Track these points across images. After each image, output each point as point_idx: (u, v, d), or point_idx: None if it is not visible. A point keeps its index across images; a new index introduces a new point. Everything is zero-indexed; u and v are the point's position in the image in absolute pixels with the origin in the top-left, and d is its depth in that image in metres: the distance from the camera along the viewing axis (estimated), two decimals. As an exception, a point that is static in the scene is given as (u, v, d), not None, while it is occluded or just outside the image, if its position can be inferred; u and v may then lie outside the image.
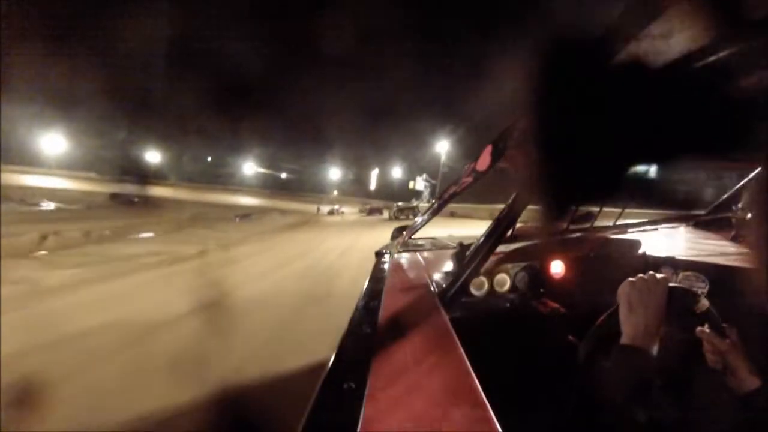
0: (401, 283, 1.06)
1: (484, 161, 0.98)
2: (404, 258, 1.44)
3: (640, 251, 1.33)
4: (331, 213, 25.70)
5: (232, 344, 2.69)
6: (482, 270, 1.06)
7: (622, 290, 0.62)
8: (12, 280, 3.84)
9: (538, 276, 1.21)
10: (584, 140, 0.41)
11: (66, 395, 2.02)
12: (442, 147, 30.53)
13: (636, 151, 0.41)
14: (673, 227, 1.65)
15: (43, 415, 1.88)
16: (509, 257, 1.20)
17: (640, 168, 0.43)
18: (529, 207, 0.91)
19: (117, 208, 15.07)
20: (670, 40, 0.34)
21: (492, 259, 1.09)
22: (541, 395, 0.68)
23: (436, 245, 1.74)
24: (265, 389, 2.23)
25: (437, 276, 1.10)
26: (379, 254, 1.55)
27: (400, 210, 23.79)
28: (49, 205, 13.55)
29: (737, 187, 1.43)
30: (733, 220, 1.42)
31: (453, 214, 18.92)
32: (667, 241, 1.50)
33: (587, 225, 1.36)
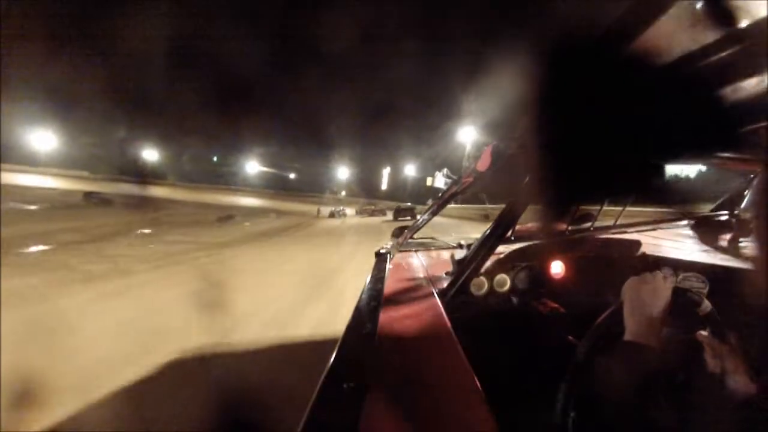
0: (401, 283, 1.06)
1: (484, 161, 0.98)
2: (404, 258, 1.44)
3: (640, 251, 1.33)
4: (332, 215, 24.42)
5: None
6: (482, 270, 1.06)
7: (627, 287, 0.62)
8: None
9: (538, 276, 1.21)
10: (584, 140, 0.41)
11: None
12: (468, 135, 24.74)
13: (636, 151, 0.41)
14: (673, 227, 1.65)
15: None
16: (509, 257, 1.20)
17: (640, 168, 0.43)
18: (530, 207, 0.91)
19: (83, 209, 14.23)
20: (670, 40, 0.34)
21: (492, 259, 1.09)
22: (541, 395, 0.68)
23: (436, 245, 1.74)
24: (265, 389, 2.23)
25: (437, 276, 1.10)
26: (379, 254, 1.55)
27: (399, 211, 23.16)
28: (7, 205, 12.72)
29: (737, 187, 1.43)
30: (733, 220, 1.42)
31: (488, 217, 16.22)
32: (667, 241, 1.50)
33: (587, 225, 1.36)
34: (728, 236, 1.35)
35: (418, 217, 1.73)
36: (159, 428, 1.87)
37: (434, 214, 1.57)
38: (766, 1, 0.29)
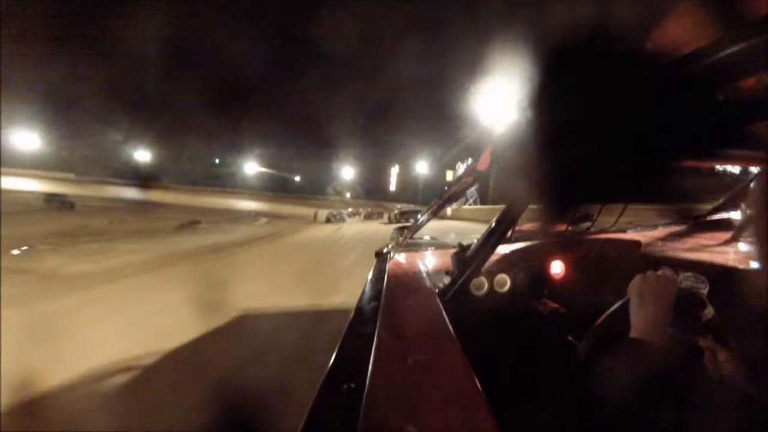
0: (401, 283, 1.06)
1: (484, 161, 0.98)
2: (404, 258, 1.44)
3: (640, 251, 1.33)
4: (328, 220, 20.68)
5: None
6: (482, 270, 1.06)
7: (634, 285, 0.63)
8: None
9: (538, 276, 1.21)
10: (584, 140, 0.41)
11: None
12: (496, 117, 20.34)
13: (636, 151, 0.41)
14: (673, 227, 1.65)
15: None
16: (509, 257, 1.20)
17: (640, 167, 0.43)
18: (530, 207, 0.91)
19: (36, 213, 12.66)
20: (670, 39, 0.34)
21: (492, 259, 1.09)
22: (541, 395, 0.68)
23: (436, 245, 1.74)
24: (265, 390, 2.23)
25: (437, 276, 1.10)
26: (379, 254, 1.55)
27: (402, 214, 21.72)
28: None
29: (737, 187, 1.43)
30: (733, 220, 1.42)
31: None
32: (667, 241, 1.50)
33: (587, 225, 1.36)
34: (728, 236, 1.35)
35: (419, 216, 1.72)
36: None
37: (434, 214, 1.57)
38: (766, 2, 0.29)
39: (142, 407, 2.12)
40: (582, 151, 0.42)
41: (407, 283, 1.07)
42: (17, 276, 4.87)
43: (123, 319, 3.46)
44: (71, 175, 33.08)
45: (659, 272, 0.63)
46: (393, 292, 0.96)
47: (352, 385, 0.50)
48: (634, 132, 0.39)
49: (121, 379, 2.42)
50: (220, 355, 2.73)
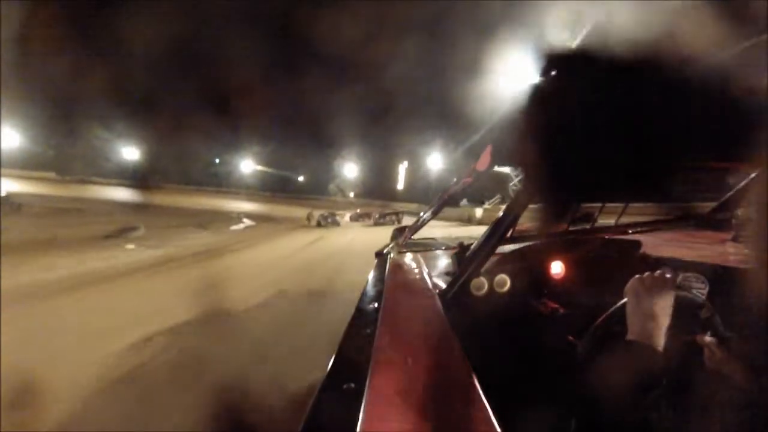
0: (401, 284, 1.06)
1: (484, 161, 0.98)
2: (404, 258, 1.44)
3: (640, 251, 1.33)
4: (318, 224, 17.86)
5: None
6: (482, 270, 1.06)
7: (631, 286, 0.62)
8: None
9: (538, 276, 1.21)
10: (584, 141, 0.41)
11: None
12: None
13: (636, 151, 0.41)
14: (673, 227, 1.65)
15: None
16: (509, 257, 1.20)
17: (641, 167, 0.43)
18: (530, 207, 0.91)
19: None
20: (671, 41, 0.34)
21: (492, 259, 1.09)
22: (541, 395, 0.68)
23: (436, 245, 1.74)
24: (265, 390, 2.23)
25: (437, 276, 1.10)
26: (379, 255, 1.55)
27: (382, 216, 20.39)
28: None
29: (737, 187, 1.42)
30: (733, 221, 1.41)
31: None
32: (667, 241, 1.50)
33: (587, 225, 1.36)
34: (728, 236, 1.35)
35: (422, 213, 1.72)
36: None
37: (434, 214, 1.57)
38: (766, 1, 0.29)
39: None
40: (582, 151, 0.42)
41: (407, 283, 1.07)
42: None
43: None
44: (52, 174, 30.92)
45: (656, 273, 0.62)
46: (393, 292, 0.96)
47: (352, 385, 0.50)
48: (635, 132, 0.39)
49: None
50: None
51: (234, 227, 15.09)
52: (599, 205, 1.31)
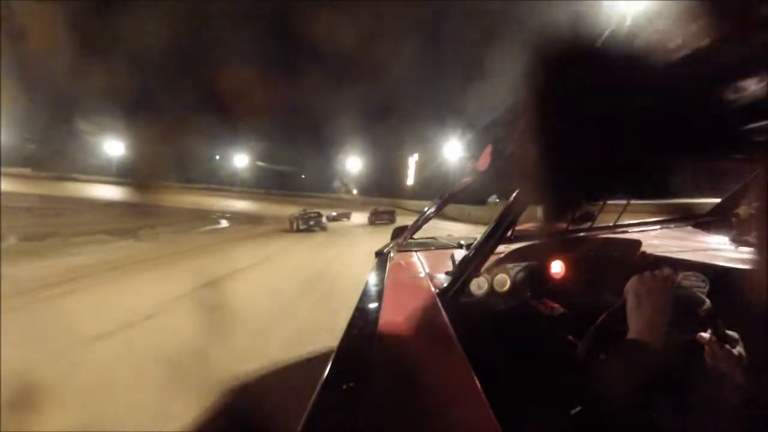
0: (401, 283, 1.06)
1: (484, 161, 0.98)
2: (404, 258, 1.44)
3: (640, 251, 1.33)
4: (297, 228, 14.46)
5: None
6: (482, 270, 1.06)
7: (631, 285, 0.62)
8: None
9: (538, 276, 1.21)
10: (584, 140, 0.41)
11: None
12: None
13: (636, 151, 0.41)
14: (673, 227, 1.65)
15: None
16: (509, 257, 1.20)
17: (641, 167, 0.43)
18: (530, 207, 0.91)
19: None
20: (671, 38, 0.34)
21: (492, 259, 1.09)
22: (541, 395, 0.68)
23: (436, 245, 1.74)
24: (265, 389, 2.23)
25: (437, 276, 1.10)
26: (379, 254, 1.55)
27: (375, 214, 18.69)
28: None
29: (737, 187, 1.42)
30: (733, 220, 1.41)
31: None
32: (667, 241, 1.50)
33: (587, 225, 1.36)
34: (728, 236, 1.35)
35: (426, 209, 1.70)
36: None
37: (435, 212, 1.57)
38: (766, 1, 0.29)
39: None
40: (582, 150, 0.42)
41: (407, 282, 1.07)
42: None
43: None
44: (28, 171, 29.23)
45: (656, 272, 0.62)
46: (393, 291, 0.96)
47: (352, 385, 0.50)
48: (634, 132, 0.39)
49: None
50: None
51: (203, 229, 13.34)
52: (599, 204, 1.31)
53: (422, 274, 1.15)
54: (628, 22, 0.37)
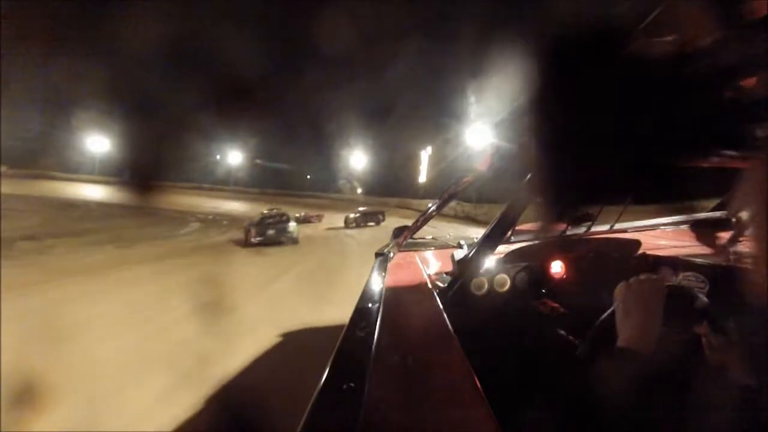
0: (401, 283, 1.06)
1: (485, 161, 0.98)
2: (404, 258, 1.44)
3: (640, 251, 1.33)
4: (249, 241, 10.75)
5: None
6: (482, 270, 1.06)
7: (619, 292, 0.62)
8: None
9: (538, 276, 1.21)
10: (585, 140, 0.41)
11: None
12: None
13: (636, 151, 0.41)
14: (673, 227, 1.65)
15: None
16: (509, 257, 1.20)
17: (641, 168, 0.43)
18: (530, 207, 0.91)
19: None
20: (671, 39, 0.34)
21: (492, 259, 1.09)
22: (541, 395, 0.68)
23: (436, 245, 1.74)
24: (265, 389, 2.22)
25: (437, 276, 1.10)
26: (379, 254, 1.55)
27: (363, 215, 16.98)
28: None
29: (737, 187, 1.42)
30: (733, 220, 1.42)
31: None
32: (667, 241, 1.50)
33: (587, 225, 1.36)
34: (728, 236, 1.35)
35: (430, 205, 1.69)
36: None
37: (436, 211, 1.57)
38: (766, 1, 0.29)
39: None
40: (582, 150, 0.42)
41: (407, 282, 1.07)
42: None
43: None
44: (4, 168, 27.09)
45: (643, 276, 0.62)
46: (393, 292, 0.96)
47: (352, 385, 0.50)
48: (635, 132, 0.39)
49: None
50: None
51: (152, 241, 10.67)
52: (599, 204, 1.31)
53: (422, 274, 1.15)
54: (629, 23, 0.37)
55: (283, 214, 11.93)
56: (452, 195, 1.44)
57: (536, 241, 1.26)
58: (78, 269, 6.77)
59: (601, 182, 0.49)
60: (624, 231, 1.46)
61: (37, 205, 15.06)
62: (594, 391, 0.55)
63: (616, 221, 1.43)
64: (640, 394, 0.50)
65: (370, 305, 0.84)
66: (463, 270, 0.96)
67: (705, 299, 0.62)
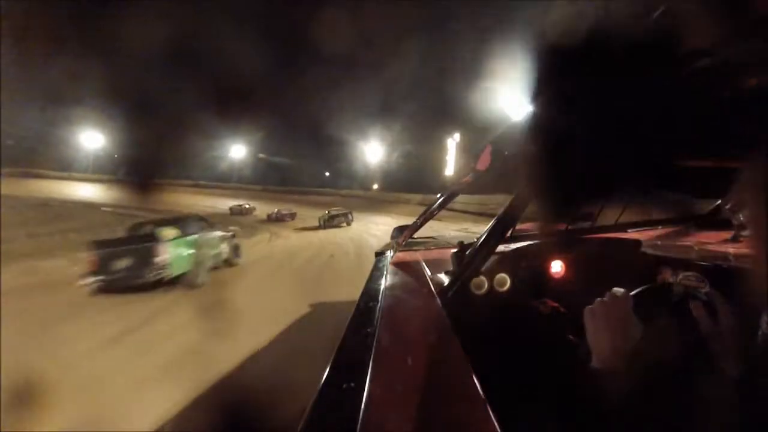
0: (401, 283, 1.06)
1: (484, 161, 0.98)
2: (404, 258, 1.44)
3: (640, 251, 1.33)
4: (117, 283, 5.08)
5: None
6: (482, 270, 1.06)
7: (586, 316, 0.63)
8: None
9: (538, 276, 1.21)
10: (585, 140, 0.41)
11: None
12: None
13: (636, 151, 0.41)
14: (673, 227, 1.65)
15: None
16: (509, 257, 1.20)
17: (641, 167, 0.43)
18: (530, 207, 0.91)
19: None
20: (671, 39, 0.34)
21: (492, 259, 1.09)
22: (541, 395, 0.68)
23: (436, 245, 1.74)
24: (265, 389, 2.22)
25: (437, 276, 1.10)
26: (379, 254, 1.55)
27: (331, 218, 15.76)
28: None
29: (737, 187, 1.42)
30: (733, 220, 1.42)
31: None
32: (667, 241, 1.50)
33: (587, 225, 1.36)
34: (728, 236, 1.35)
35: (435, 202, 1.66)
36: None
37: (437, 210, 1.57)
38: (766, 1, 0.29)
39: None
40: (583, 150, 0.42)
41: (407, 282, 1.07)
42: None
43: None
44: None
45: (608, 294, 0.62)
46: (393, 291, 0.96)
47: (352, 385, 0.50)
48: (635, 132, 0.39)
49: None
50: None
51: None
52: (599, 204, 1.31)
53: (422, 274, 1.15)
54: (630, 23, 0.37)
55: (204, 221, 7.02)
56: (452, 195, 1.44)
57: (536, 241, 1.26)
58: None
59: (601, 182, 0.49)
60: (624, 231, 1.46)
61: (6, 207, 12.69)
62: (594, 391, 0.55)
63: (617, 221, 1.43)
64: (643, 390, 0.50)
65: (370, 305, 0.84)
66: (463, 270, 0.96)
67: (705, 298, 0.62)
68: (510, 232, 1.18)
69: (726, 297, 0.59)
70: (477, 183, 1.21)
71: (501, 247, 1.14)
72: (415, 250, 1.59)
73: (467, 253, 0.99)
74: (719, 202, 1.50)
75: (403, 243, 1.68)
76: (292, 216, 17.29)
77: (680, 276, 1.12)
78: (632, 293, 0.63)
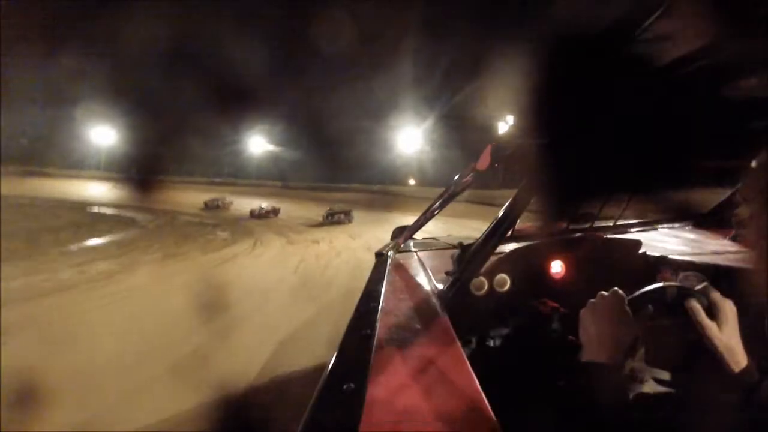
0: (401, 284, 1.06)
1: (484, 161, 0.98)
2: (404, 258, 1.44)
3: (640, 251, 1.33)
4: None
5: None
6: (482, 270, 1.06)
7: (583, 314, 0.63)
8: None
9: (538, 276, 1.21)
10: (585, 140, 0.41)
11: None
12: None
13: (636, 150, 0.41)
14: (673, 227, 1.65)
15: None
16: (509, 257, 1.20)
17: (641, 168, 0.43)
18: (530, 207, 0.91)
19: None
20: (671, 39, 0.34)
21: (492, 259, 1.09)
22: (541, 395, 0.68)
23: (436, 245, 1.74)
24: (265, 389, 2.22)
25: (437, 276, 1.10)
26: (379, 254, 1.55)
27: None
28: None
29: (737, 187, 1.42)
30: (733, 220, 1.42)
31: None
32: (667, 241, 1.50)
33: (587, 225, 1.36)
34: (728, 236, 1.35)
35: (435, 203, 1.62)
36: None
37: (437, 212, 1.57)
38: (766, 1, 0.29)
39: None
40: (583, 150, 0.42)
41: (407, 282, 1.07)
42: None
43: None
44: None
45: (604, 294, 0.63)
46: (393, 291, 0.96)
47: (352, 385, 0.50)
48: (635, 132, 0.39)
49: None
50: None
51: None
52: (599, 204, 1.31)
53: (422, 274, 1.15)
54: (629, 22, 0.37)
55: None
56: (453, 195, 1.44)
57: (536, 241, 1.26)
58: None
59: (601, 182, 0.49)
60: (624, 231, 1.46)
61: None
62: (594, 391, 0.55)
63: (617, 221, 1.43)
64: (643, 390, 0.50)
65: (369, 306, 0.84)
66: (463, 270, 0.96)
67: (705, 298, 0.62)
68: (510, 232, 1.18)
69: (726, 297, 0.59)
70: (476, 182, 1.21)
71: (501, 247, 1.14)
72: (415, 251, 1.59)
73: (467, 253, 0.99)
74: (719, 202, 1.50)
75: (403, 243, 1.68)
76: (276, 212, 16.60)
77: (680, 276, 1.12)
78: (632, 294, 0.63)
